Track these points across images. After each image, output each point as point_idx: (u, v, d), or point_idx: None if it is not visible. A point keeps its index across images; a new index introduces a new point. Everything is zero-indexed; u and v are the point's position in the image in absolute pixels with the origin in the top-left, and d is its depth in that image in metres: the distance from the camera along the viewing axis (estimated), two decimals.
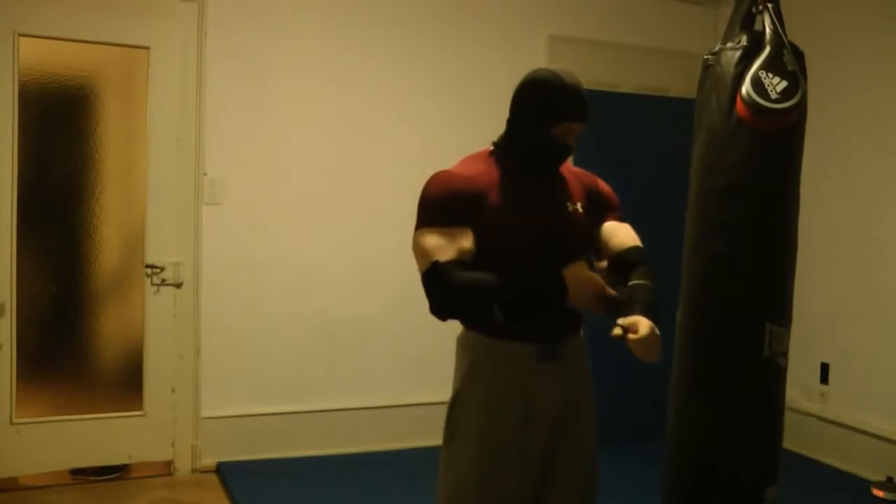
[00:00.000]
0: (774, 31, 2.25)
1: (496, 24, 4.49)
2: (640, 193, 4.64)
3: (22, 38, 3.65)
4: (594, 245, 2.15)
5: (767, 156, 2.24)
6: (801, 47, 2.34)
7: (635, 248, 2.12)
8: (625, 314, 1.93)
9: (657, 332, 1.91)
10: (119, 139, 3.88)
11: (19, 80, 3.65)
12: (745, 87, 2.20)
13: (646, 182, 4.66)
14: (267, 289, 4.12)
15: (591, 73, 4.73)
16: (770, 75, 2.20)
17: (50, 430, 3.77)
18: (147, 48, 3.86)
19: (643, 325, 1.88)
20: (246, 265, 4.08)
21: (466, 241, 1.92)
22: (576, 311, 2.07)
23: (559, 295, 1.90)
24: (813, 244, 4.13)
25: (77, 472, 3.85)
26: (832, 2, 4.25)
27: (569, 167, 2.16)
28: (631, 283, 2.02)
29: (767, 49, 2.23)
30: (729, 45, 2.28)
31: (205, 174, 3.98)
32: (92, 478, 3.84)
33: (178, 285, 3.95)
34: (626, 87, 4.83)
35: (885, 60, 4.02)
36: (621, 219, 2.19)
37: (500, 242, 1.93)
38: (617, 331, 1.89)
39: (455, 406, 2.04)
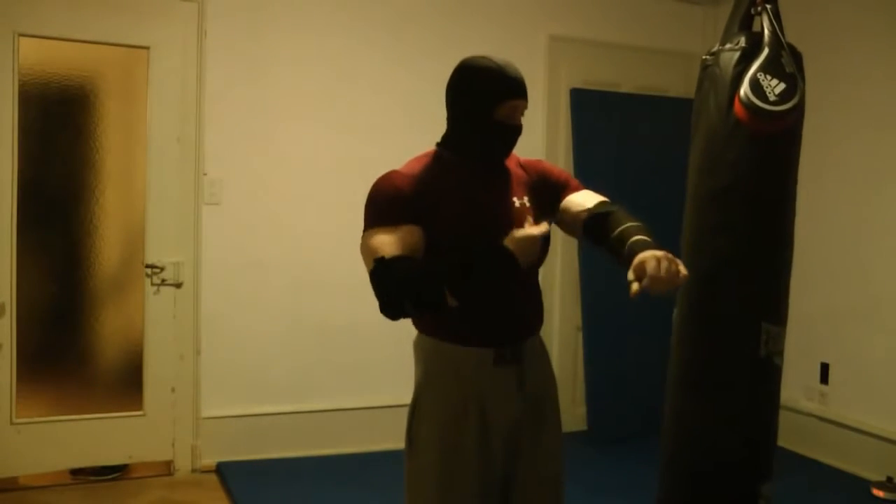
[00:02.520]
0: (773, 32, 2.26)
1: (496, 23, 4.48)
2: (639, 193, 4.63)
3: (22, 38, 3.65)
4: (567, 227, 2.08)
5: (765, 157, 2.25)
6: (799, 47, 2.34)
7: (599, 204, 2.03)
8: (623, 260, 1.85)
9: (667, 253, 1.78)
10: (119, 139, 3.88)
11: (19, 80, 3.65)
12: (744, 89, 2.21)
13: (646, 182, 4.66)
14: (267, 289, 4.12)
15: (591, 73, 4.75)
16: (768, 77, 2.21)
17: (50, 430, 3.77)
18: (147, 48, 3.86)
19: (648, 262, 1.74)
20: (246, 265, 4.08)
21: (412, 238, 1.85)
22: (534, 312, 2.03)
23: (510, 263, 1.80)
24: (813, 245, 4.13)
25: (77, 472, 3.85)
26: (830, 1, 4.25)
27: (515, 159, 2.08)
28: (614, 234, 1.92)
29: (766, 51, 2.24)
30: (728, 46, 2.29)
31: (205, 174, 3.98)
32: (92, 478, 3.84)
33: (178, 285, 3.95)
34: (626, 87, 4.83)
35: (882, 61, 4.02)
36: (581, 188, 2.10)
37: (449, 240, 1.88)
38: (634, 288, 1.75)
39: (414, 415, 1.98)
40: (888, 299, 4.00)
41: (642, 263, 1.75)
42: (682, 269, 1.78)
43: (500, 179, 2.02)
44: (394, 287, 1.81)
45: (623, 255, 1.87)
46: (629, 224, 1.93)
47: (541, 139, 4.59)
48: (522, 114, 1.98)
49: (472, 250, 1.84)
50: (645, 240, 1.87)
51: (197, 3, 3.94)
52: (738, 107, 2.21)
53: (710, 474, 2.30)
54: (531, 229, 1.83)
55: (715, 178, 2.28)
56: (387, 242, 1.82)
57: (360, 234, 1.92)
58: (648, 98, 4.82)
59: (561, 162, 4.61)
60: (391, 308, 1.83)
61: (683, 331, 2.36)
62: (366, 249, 1.87)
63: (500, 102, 1.92)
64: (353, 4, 4.24)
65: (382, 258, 1.80)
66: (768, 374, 2.30)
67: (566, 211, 2.06)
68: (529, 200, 2.02)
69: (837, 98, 4.16)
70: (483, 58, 1.96)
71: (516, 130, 1.98)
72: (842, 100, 4.17)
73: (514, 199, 2.00)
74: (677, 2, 4.93)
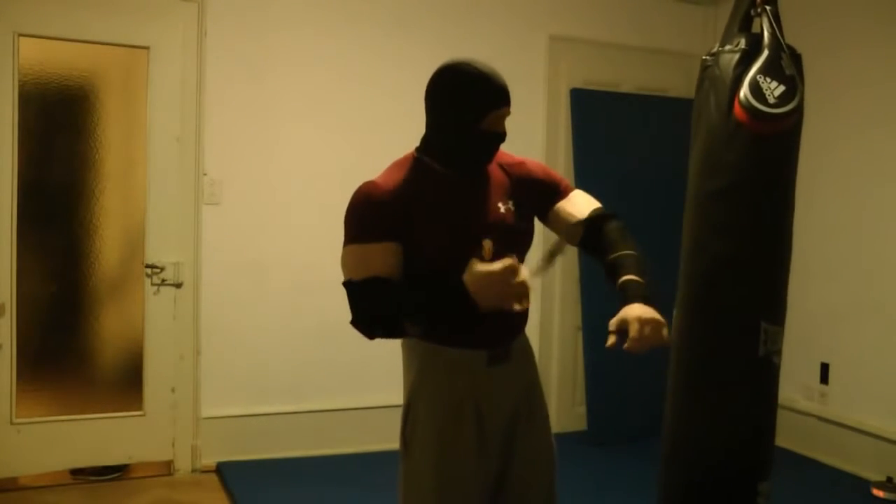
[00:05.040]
0: (773, 34, 2.26)
1: (496, 24, 4.49)
2: (639, 193, 4.65)
3: (22, 38, 3.65)
4: (562, 232, 2.03)
5: (765, 158, 2.25)
6: (798, 48, 2.35)
7: (591, 216, 1.98)
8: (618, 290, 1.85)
9: (652, 314, 1.77)
10: (119, 139, 3.88)
11: (19, 80, 3.65)
12: (744, 92, 2.21)
13: (645, 182, 4.67)
14: (267, 289, 4.12)
15: (591, 73, 4.75)
16: (768, 79, 2.21)
17: (50, 430, 3.77)
18: (147, 48, 3.86)
19: (632, 325, 1.75)
20: (246, 265, 4.08)
21: (386, 257, 1.85)
22: (520, 313, 2.00)
23: (468, 305, 1.75)
24: (813, 244, 4.13)
25: (77, 472, 3.85)
26: (829, 3, 4.25)
27: (498, 158, 2.03)
28: (608, 259, 1.91)
29: (766, 53, 2.24)
30: (727, 47, 2.29)
31: (205, 174, 3.98)
32: (92, 478, 3.85)
33: (178, 285, 3.95)
34: (626, 87, 4.83)
35: (881, 61, 4.02)
36: (568, 190, 2.06)
37: (434, 250, 1.86)
38: (610, 340, 1.79)
39: (408, 416, 1.97)
40: (888, 299, 3.99)
41: (625, 322, 1.76)
42: (665, 333, 1.78)
43: (483, 185, 1.98)
44: (360, 313, 1.89)
45: (615, 287, 1.88)
46: (621, 252, 1.92)
47: (541, 139, 4.59)
48: (505, 120, 1.95)
49: (432, 285, 1.83)
50: (635, 281, 1.85)
51: (197, 3, 3.94)
52: (737, 109, 2.22)
53: (708, 472, 2.31)
54: (494, 265, 1.74)
55: (715, 179, 2.28)
56: (358, 263, 1.88)
57: None
58: (648, 98, 4.82)
59: (561, 163, 4.61)
60: (361, 328, 1.93)
61: (683, 331, 2.36)
62: (344, 265, 1.93)
63: (487, 112, 1.88)
64: (354, 4, 4.24)
65: (349, 282, 1.88)
66: (767, 372, 2.31)
67: (557, 220, 2.03)
68: (514, 204, 1.99)
69: (836, 99, 4.17)
70: (467, 64, 1.90)
71: (500, 138, 1.95)
72: (841, 100, 4.17)
73: (500, 204, 1.96)
74: (677, 2, 4.93)
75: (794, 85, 2.24)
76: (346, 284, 1.89)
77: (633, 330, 1.75)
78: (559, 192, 2.05)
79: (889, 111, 3.99)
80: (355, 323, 1.90)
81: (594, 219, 1.99)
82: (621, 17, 4.79)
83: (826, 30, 4.19)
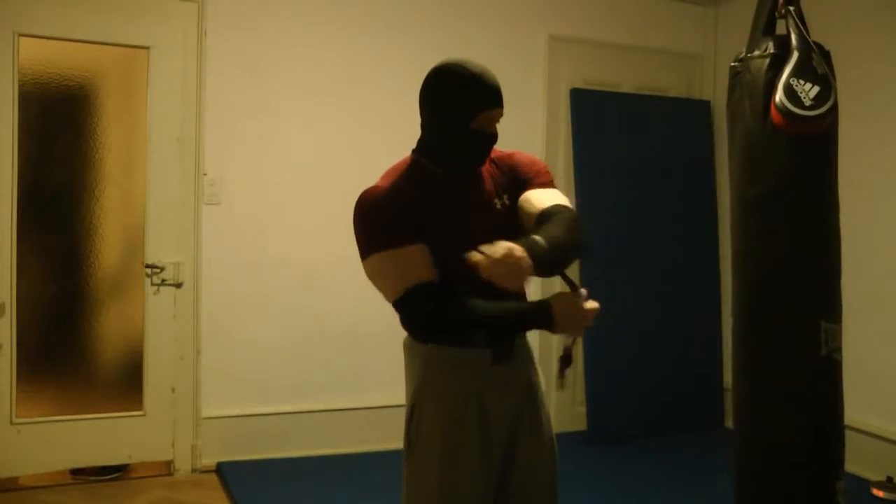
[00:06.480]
0: (800, 34, 2.25)
1: (496, 24, 4.48)
2: (639, 193, 4.65)
3: (22, 38, 3.65)
4: (525, 222, 1.98)
5: (806, 161, 2.26)
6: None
7: (550, 207, 1.92)
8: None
9: (511, 254, 1.68)
10: (119, 139, 3.88)
11: (19, 80, 3.65)
12: (779, 96, 2.20)
13: (645, 182, 4.67)
14: (267, 289, 4.12)
15: (591, 73, 4.75)
16: (802, 82, 2.21)
17: (50, 430, 3.77)
18: (147, 48, 3.86)
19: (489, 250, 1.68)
20: (246, 265, 4.08)
21: (425, 258, 1.85)
22: None
23: (546, 324, 1.87)
24: None
25: (77, 472, 3.85)
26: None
27: (492, 153, 2.02)
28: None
29: (795, 55, 2.23)
30: (756, 52, 2.28)
31: (205, 174, 3.98)
32: (92, 478, 3.84)
33: (178, 285, 3.95)
34: (626, 87, 4.83)
35: (889, 59, 4.02)
36: (547, 185, 2.01)
37: (438, 252, 1.87)
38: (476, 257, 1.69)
39: (412, 415, 1.98)
40: (889, 299, 3.99)
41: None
42: (514, 278, 1.72)
43: (479, 183, 1.99)
44: (433, 317, 1.87)
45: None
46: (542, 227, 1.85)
47: (541, 139, 4.59)
48: (498, 121, 1.95)
49: (515, 306, 1.91)
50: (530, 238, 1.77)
51: (197, 3, 3.94)
52: (774, 113, 2.21)
53: (787, 477, 2.29)
54: (588, 302, 1.89)
55: (758, 185, 2.28)
56: (408, 266, 1.84)
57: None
58: (648, 98, 4.82)
59: (561, 162, 4.61)
60: (426, 333, 1.93)
61: (742, 339, 2.36)
62: (382, 275, 1.89)
63: (478, 113, 1.89)
64: (354, 3, 4.24)
65: (418, 285, 1.83)
66: (831, 371, 2.31)
67: (522, 210, 1.99)
68: (509, 198, 2.00)
69: (841, 97, 4.14)
70: (459, 65, 1.91)
71: (492, 139, 1.95)
72: (846, 98, 4.15)
73: (496, 200, 1.98)
74: (677, 2, 4.93)
75: (827, 84, 2.24)
76: (415, 288, 1.83)
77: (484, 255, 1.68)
78: (532, 182, 2.01)
79: (891, 110, 3.99)
80: (423, 328, 1.92)
81: (547, 211, 1.93)
82: (621, 18, 4.79)
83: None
